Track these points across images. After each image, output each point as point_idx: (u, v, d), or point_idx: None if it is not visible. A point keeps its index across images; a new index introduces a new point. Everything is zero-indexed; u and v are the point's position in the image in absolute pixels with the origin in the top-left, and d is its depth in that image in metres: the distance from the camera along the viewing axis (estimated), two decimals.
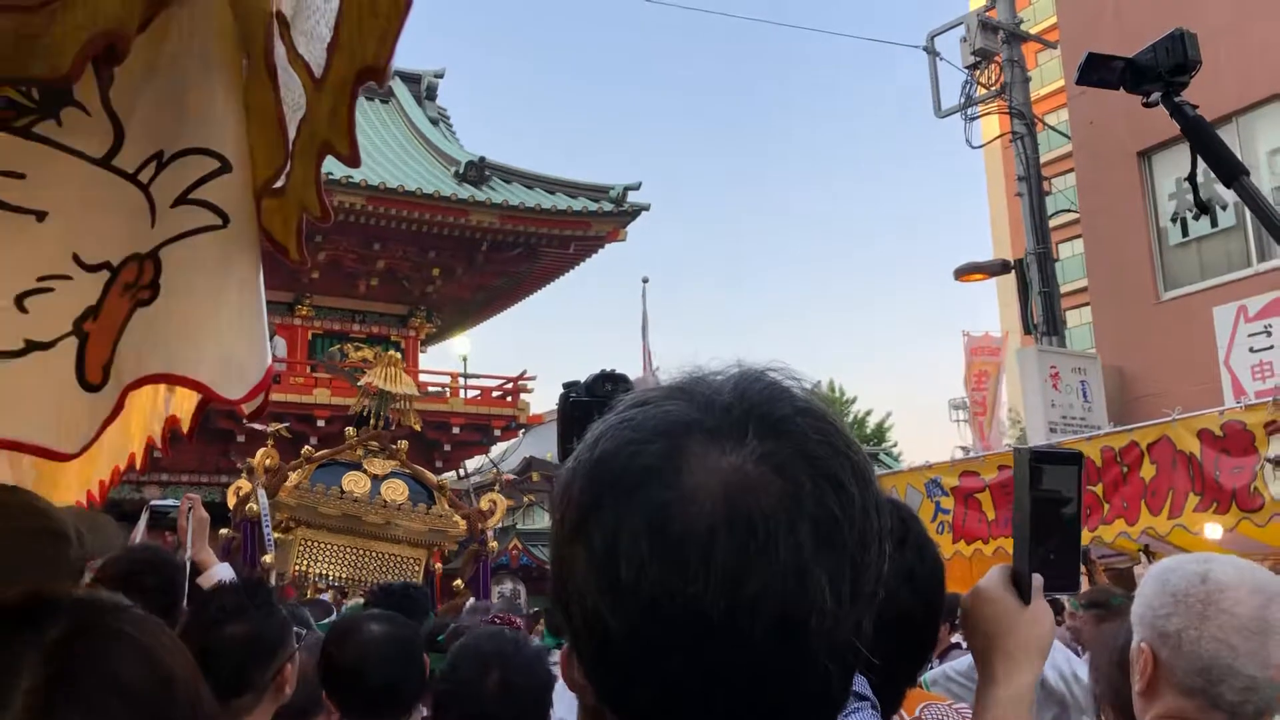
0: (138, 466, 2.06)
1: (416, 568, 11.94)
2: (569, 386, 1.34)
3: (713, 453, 0.74)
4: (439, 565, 12.22)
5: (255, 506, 10.90)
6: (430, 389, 22.33)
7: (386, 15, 1.07)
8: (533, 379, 22.56)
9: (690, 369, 0.84)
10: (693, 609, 0.70)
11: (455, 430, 21.60)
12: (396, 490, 11.91)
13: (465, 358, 23.90)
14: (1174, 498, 6.98)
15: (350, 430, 12.21)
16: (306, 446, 12.34)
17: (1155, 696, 1.76)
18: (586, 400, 1.30)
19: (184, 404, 1.82)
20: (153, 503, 4.14)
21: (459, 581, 12.03)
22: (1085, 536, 7.47)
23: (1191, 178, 2.51)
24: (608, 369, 1.34)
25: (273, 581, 10.83)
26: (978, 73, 13.82)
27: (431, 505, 12.08)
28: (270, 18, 1.36)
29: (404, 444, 12.59)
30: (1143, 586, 1.84)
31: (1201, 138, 2.27)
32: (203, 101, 1.50)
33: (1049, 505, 1.29)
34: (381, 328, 22.75)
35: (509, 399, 22.51)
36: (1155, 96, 2.29)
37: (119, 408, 1.59)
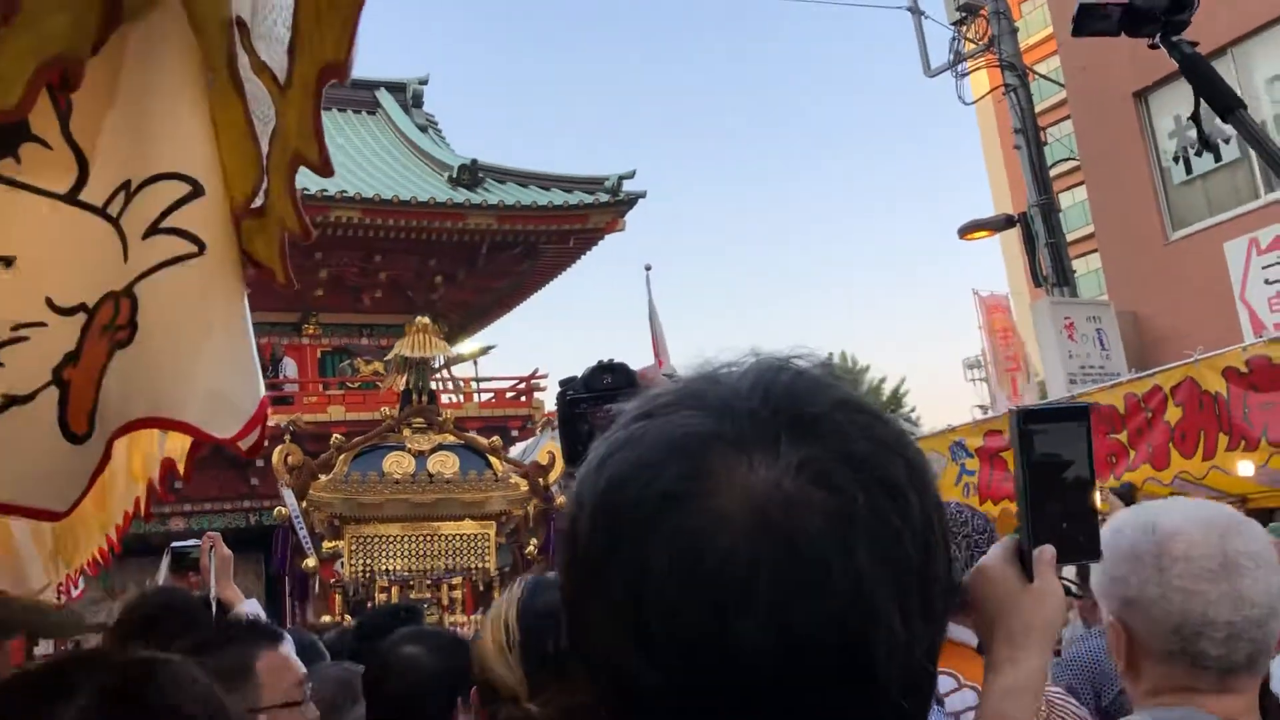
0: (143, 513, 1.97)
1: (487, 545, 10.95)
2: (566, 384, 1.24)
3: (740, 468, 0.63)
4: (533, 545, 10.99)
5: (285, 510, 10.17)
6: (444, 395, 22.29)
7: (343, 6, 0.98)
8: (544, 377, 22.47)
9: (700, 364, 0.72)
10: (738, 656, 0.60)
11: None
12: (445, 463, 10.93)
13: (476, 361, 23.82)
14: (1205, 439, 6.89)
15: (386, 409, 11.32)
16: (336, 435, 11.38)
17: (1138, 673, 1.58)
18: (585, 396, 1.20)
19: (178, 445, 1.73)
20: (174, 545, 4.05)
21: (531, 548, 11.11)
22: (1110, 482, 7.41)
23: (1195, 115, 2.46)
24: (604, 360, 1.23)
25: (315, 588, 10.34)
26: (964, 28, 13.66)
27: (485, 470, 11.07)
28: (229, 25, 1.27)
29: (450, 414, 11.64)
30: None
31: (1198, 74, 2.22)
32: (167, 123, 1.40)
33: (1050, 470, 1.16)
34: (389, 339, 22.60)
35: (523, 399, 22.44)
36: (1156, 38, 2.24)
37: (107, 457, 1.50)
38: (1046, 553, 1.15)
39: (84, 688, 0.87)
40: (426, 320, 11.83)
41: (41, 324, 1.44)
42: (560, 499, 11.48)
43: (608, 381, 1.19)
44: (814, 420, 0.66)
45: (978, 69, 14.02)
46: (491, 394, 22.67)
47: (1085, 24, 2.30)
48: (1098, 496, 1.20)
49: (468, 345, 24.99)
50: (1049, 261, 12.55)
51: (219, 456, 16.76)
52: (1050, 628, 1.16)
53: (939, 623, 0.66)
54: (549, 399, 22.43)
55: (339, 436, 11.21)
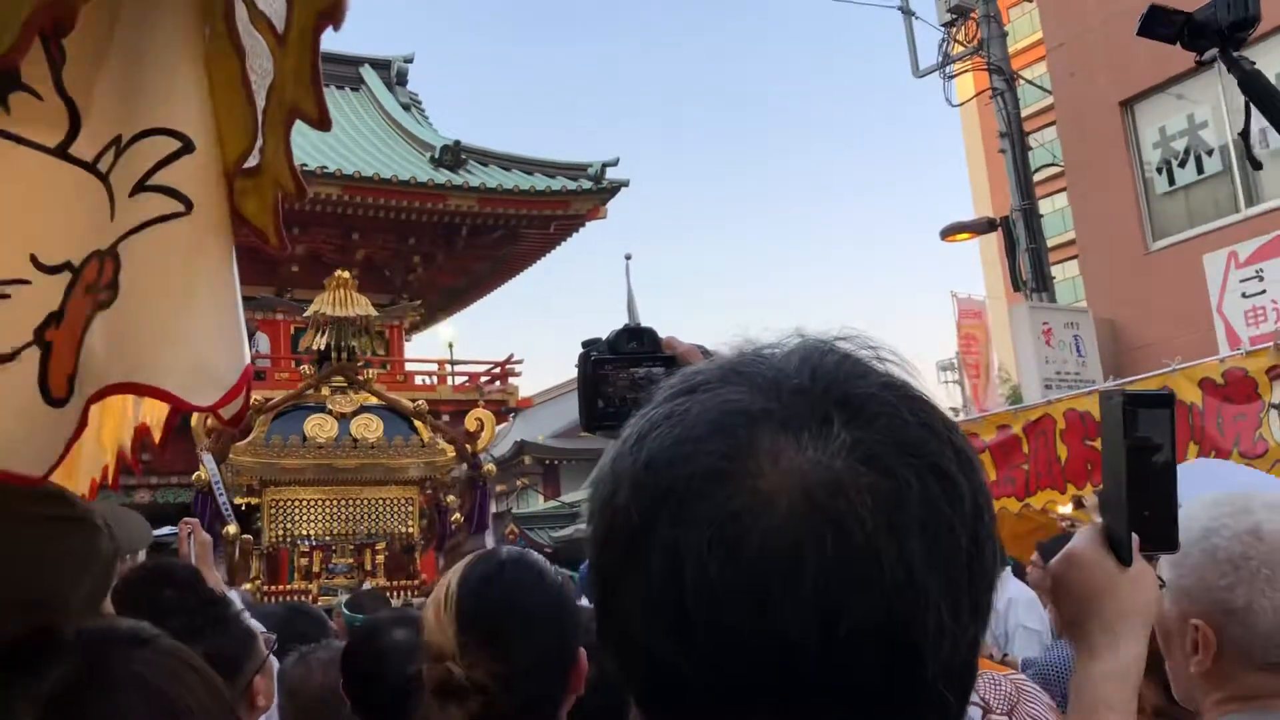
0: (110, 481, 1.91)
1: (410, 509, 10.87)
2: (589, 345, 1.20)
3: (788, 447, 0.60)
4: (451, 499, 10.99)
5: (205, 475, 9.96)
6: (418, 378, 22.19)
7: None
8: (520, 362, 22.42)
9: (740, 343, 0.69)
10: (779, 644, 0.57)
11: (445, 418, 21.42)
12: (369, 427, 10.73)
13: (451, 344, 23.72)
14: (1178, 449, 6.93)
15: (307, 369, 11.11)
16: (256, 396, 11.27)
17: (1224, 678, 1.56)
18: (611, 358, 1.17)
19: (154, 411, 1.67)
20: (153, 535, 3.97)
21: (457, 515, 10.95)
22: (1087, 491, 7.46)
23: (1245, 132, 2.47)
24: (631, 324, 1.20)
25: (236, 555, 10.09)
26: (954, 30, 13.68)
27: (411, 436, 10.94)
28: None
29: (373, 373, 11.47)
30: (1184, 552, 1.59)
31: (1259, 93, 2.21)
32: (161, 77, 1.35)
33: (1142, 454, 1.15)
34: None
35: (497, 384, 22.36)
36: (1212, 53, 2.24)
37: (83, 423, 1.44)
38: (1136, 539, 1.15)
39: (63, 659, 0.83)
40: (347, 275, 11.58)
41: (25, 281, 1.39)
42: (488, 466, 11.46)
43: (633, 346, 1.15)
44: (865, 401, 0.63)
45: (964, 72, 14.06)
46: (465, 378, 22.58)
47: (1151, 27, 2.29)
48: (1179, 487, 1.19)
49: (444, 327, 24.90)
50: (1029, 266, 12.61)
51: (186, 429, 16.58)
52: (1147, 613, 1.16)
53: (984, 615, 0.64)
54: (523, 384, 22.40)
55: (259, 398, 10.73)
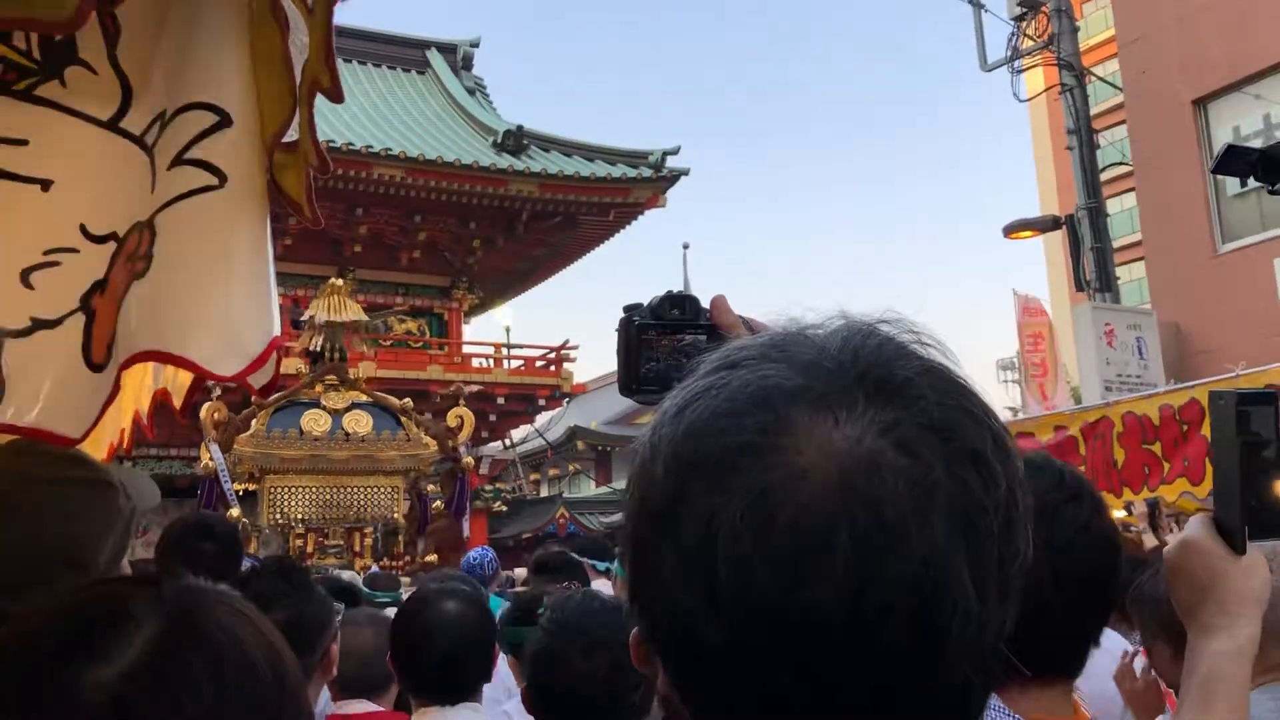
0: (125, 445, 1.94)
1: (396, 497, 11.95)
2: (630, 309, 1.21)
3: (824, 425, 0.62)
4: (432, 488, 12.24)
5: (211, 463, 10.88)
6: (475, 360, 22.40)
7: None
8: (575, 348, 22.54)
9: (785, 322, 0.71)
10: (806, 616, 0.59)
11: (500, 400, 21.63)
12: (359, 422, 11.83)
13: (508, 328, 23.92)
14: None
15: (303, 368, 12.06)
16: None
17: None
18: (653, 324, 1.18)
19: (176, 377, 1.70)
20: None
21: (438, 503, 12.05)
22: (1139, 496, 7.33)
23: None
24: (674, 291, 1.20)
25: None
26: (1024, 24, 13.45)
27: (398, 431, 11.98)
28: None
29: (362, 372, 12.49)
30: None
31: None
32: (207, 52, 1.38)
33: (1253, 449, 1.25)
34: (425, 300, 22.82)
35: (552, 368, 22.50)
36: None
37: (117, 388, 1.48)
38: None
39: (147, 616, 0.86)
40: (340, 282, 12.55)
41: (74, 250, 1.43)
42: (468, 459, 12.59)
43: (676, 313, 1.15)
44: (903, 384, 0.64)
45: (1033, 67, 13.82)
46: (521, 362, 22.73)
47: (1227, 165, 2.39)
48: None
49: (501, 311, 25.09)
50: (1093, 266, 12.38)
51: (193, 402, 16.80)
52: (1261, 598, 1.28)
53: (1014, 601, 0.65)
54: (578, 370, 22.50)
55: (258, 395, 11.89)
